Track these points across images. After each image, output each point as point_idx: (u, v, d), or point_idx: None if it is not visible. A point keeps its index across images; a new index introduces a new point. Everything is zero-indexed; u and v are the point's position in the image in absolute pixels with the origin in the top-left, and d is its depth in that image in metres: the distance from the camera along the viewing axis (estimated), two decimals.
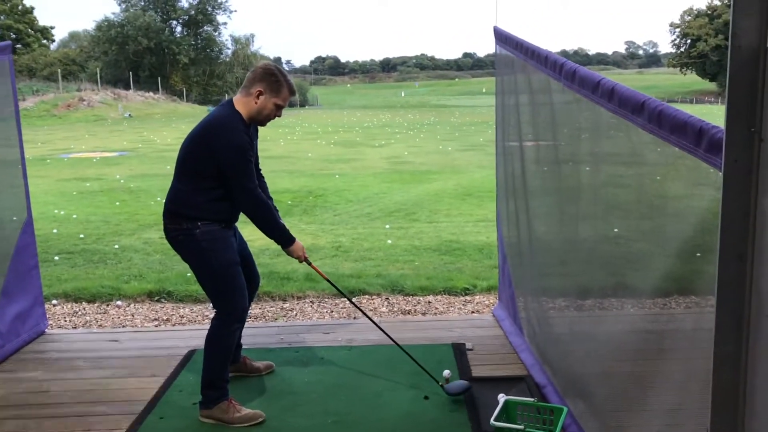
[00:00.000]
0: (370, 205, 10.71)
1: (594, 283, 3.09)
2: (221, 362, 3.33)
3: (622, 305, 2.81)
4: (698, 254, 2.07)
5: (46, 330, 4.68)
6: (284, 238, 3.39)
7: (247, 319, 3.84)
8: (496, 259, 5.14)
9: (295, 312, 5.42)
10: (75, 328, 5.12)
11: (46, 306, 5.08)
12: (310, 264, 3.53)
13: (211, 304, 3.54)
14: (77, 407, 3.49)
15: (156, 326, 5.15)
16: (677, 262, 2.21)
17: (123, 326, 5.15)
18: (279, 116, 3.31)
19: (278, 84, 3.20)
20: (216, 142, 3.11)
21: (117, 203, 10.97)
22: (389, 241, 7.81)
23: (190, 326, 5.07)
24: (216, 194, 3.21)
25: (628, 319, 2.71)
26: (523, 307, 4.13)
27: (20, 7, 65.49)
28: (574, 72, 2.81)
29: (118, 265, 6.88)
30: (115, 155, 19.46)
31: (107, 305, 5.64)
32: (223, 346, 3.33)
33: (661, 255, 2.33)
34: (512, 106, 4.11)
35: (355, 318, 5.19)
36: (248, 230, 3.63)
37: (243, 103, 3.22)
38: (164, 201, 3.33)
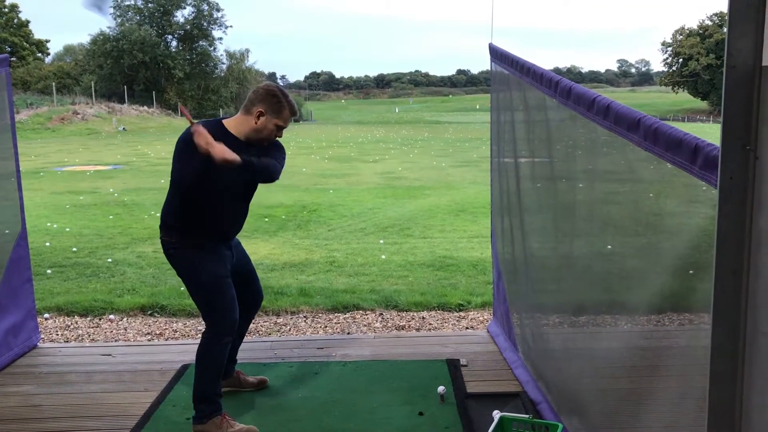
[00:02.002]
0: (364, 220, 10.71)
1: (588, 299, 3.09)
2: (213, 376, 3.31)
3: (617, 322, 2.82)
4: (691, 271, 2.08)
5: (38, 344, 4.64)
6: None
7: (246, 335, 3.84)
8: (491, 275, 5.15)
9: (288, 327, 5.41)
10: (67, 341, 5.08)
11: (39, 319, 5.05)
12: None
13: (200, 319, 3.52)
14: (69, 422, 3.46)
15: (149, 340, 5.12)
16: (671, 279, 2.22)
17: (116, 340, 5.12)
18: (280, 137, 3.29)
19: (280, 105, 3.20)
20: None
21: (110, 217, 10.94)
22: (383, 257, 7.81)
23: (184, 340, 5.05)
24: (198, 207, 3.23)
25: (623, 336, 2.72)
26: (517, 324, 4.13)
27: (16, 21, 65.64)
28: (569, 89, 2.83)
29: (111, 279, 6.85)
30: (109, 169, 19.43)
31: (100, 319, 5.61)
32: (214, 359, 3.31)
33: (656, 272, 2.34)
34: (507, 123, 4.13)
35: (349, 333, 5.18)
36: (251, 248, 3.63)
37: (240, 122, 3.22)
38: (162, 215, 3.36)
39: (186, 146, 3.05)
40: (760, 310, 1.45)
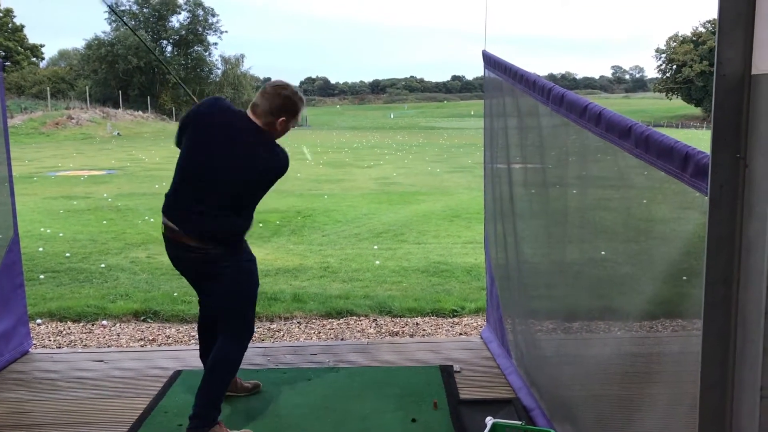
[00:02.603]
0: (359, 225, 10.71)
1: (581, 305, 3.09)
2: (228, 381, 3.32)
3: (609, 328, 2.82)
4: (684, 278, 2.08)
5: (30, 350, 4.62)
6: None
7: None
8: (484, 281, 5.15)
9: (282, 333, 5.40)
10: (59, 347, 5.06)
11: (31, 325, 5.03)
12: None
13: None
14: (60, 429, 3.44)
15: (142, 346, 5.11)
16: (664, 286, 2.22)
17: (108, 346, 5.10)
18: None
19: (297, 109, 3.24)
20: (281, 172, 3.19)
21: (104, 222, 10.91)
22: (377, 262, 7.81)
23: (176, 346, 5.03)
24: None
25: (615, 342, 2.72)
26: (510, 330, 4.13)
27: (10, 25, 65.54)
28: (562, 96, 2.84)
29: (104, 285, 6.83)
30: (103, 174, 19.39)
31: (92, 325, 5.59)
32: (235, 365, 3.34)
33: (648, 278, 2.35)
34: (500, 129, 4.14)
35: (342, 339, 5.17)
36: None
37: (265, 128, 3.21)
38: (193, 226, 3.16)
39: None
40: (750, 318, 1.46)
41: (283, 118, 3.18)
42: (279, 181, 3.32)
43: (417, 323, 5.59)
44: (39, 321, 5.60)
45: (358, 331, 5.40)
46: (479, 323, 5.48)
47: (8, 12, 65.78)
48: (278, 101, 3.16)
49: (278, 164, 3.16)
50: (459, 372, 4.15)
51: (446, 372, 4.13)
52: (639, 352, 2.51)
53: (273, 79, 3.30)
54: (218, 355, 3.28)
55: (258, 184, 3.17)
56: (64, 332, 5.42)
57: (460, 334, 5.33)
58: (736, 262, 1.49)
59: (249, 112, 3.20)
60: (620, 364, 2.60)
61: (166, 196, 3.29)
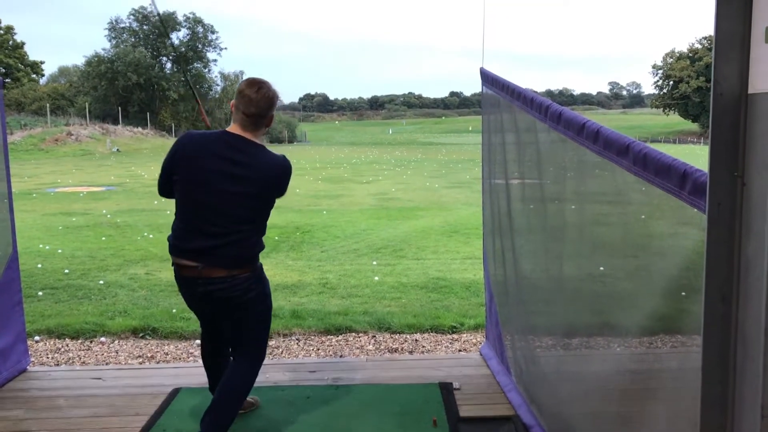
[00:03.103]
0: (357, 241, 10.71)
1: (580, 321, 3.09)
2: (240, 406, 3.30)
3: (609, 344, 2.82)
4: (683, 293, 2.08)
5: (28, 367, 4.60)
6: None
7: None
8: (483, 296, 5.14)
9: (280, 349, 5.38)
10: (57, 365, 5.04)
11: (29, 342, 5.01)
12: None
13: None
14: None
15: (140, 363, 5.08)
16: (662, 301, 2.22)
17: (106, 363, 5.08)
18: None
19: (275, 100, 3.23)
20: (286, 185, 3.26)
21: (103, 238, 10.90)
22: (376, 278, 7.80)
23: (175, 364, 5.01)
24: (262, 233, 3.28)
25: (615, 359, 2.71)
26: (510, 346, 4.12)
27: (11, 43, 65.89)
28: (559, 114, 2.86)
29: (103, 301, 6.81)
30: (102, 190, 19.40)
31: (91, 342, 5.57)
32: (249, 389, 3.33)
33: (647, 294, 2.35)
34: (498, 145, 4.16)
35: (341, 356, 5.16)
36: None
37: (257, 136, 3.18)
38: (218, 256, 3.08)
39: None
40: (749, 336, 1.46)
41: (272, 114, 3.21)
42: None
43: (416, 340, 5.57)
44: (37, 338, 5.58)
45: (357, 348, 5.38)
46: (478, 339, 5.46)
47: (9, 29, 66.22)
48: (267, 102, 3.12)
49: (283, 163, 3.18)
50: (458, 389, 4.13)
51: (446, 389, 4.12)
52: (638, 369, 2.51)
53: (244, 83, 3.18)
54: (234, 381, 3.25)
55: (271, 191, 3.18)
56: (63, 349, 5.40)
57: (460, 350, 5.31)
58: (735, 280, 1.50)
59: (236, 126, 3.13)
60: (620, 380, 2.60)
61: (171, 237, 3.19)
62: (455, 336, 5.67)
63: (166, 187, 3.22)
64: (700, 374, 1.55)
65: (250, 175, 3.07)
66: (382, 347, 5.40)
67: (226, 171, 3.05)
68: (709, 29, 1.48)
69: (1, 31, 65.16)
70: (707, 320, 1.50)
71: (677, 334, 2.23)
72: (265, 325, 3.35)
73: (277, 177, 3.17)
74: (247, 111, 3.09)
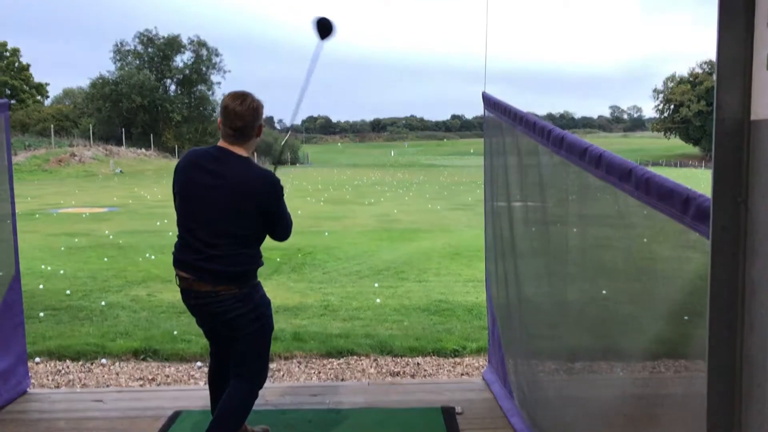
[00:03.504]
0: (359, 263, 10.69)
1: (583, 345, 3.07)
2: (240, 427, 3.28)
3: (612, 369, 2.80)
4: (686, 317, 2.08)
5: (28, 389, 4.57)
6: None
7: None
8: (486, 320, 5.12)
9: (282, 372, 5.35)
10: (58, 387, 5.01)
11: (29, 364, 4.99)
12: None
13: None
14: None
15: (141, 386, 5.06)
16: (666, 326, 2.22)
17: (107, 385, 5.05)
18: None
19: (262, 112, 3.20)
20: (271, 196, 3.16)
21: (105, 259, 10.90)
22: (378, 300, 7.78)
23: (176, 386, 4.98)
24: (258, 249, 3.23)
25: (618, 384, 2.69)
26: (512, 370, 4.09)
27: (17, 65, 66.48)
28: (561, 138, 2.87)
29: (104, 323, 6.79)
30: (105, 211, 19.44)
31: (92, 363, 5.55)
32: (248, 410, 3.30)
33: (650, 318, 2.34)
34: (500, 167, 4.17)
35: (343, 380, 5.13)
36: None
37: (247, 148, 3.17)
38: (205, 271, 3.10)
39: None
40: (755, 362, 1.45)
41: (261, 124, 3.19)
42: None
43: (418, 363, 5.54)
44: (38, 360, 5.56)
45: (359, 371, 5.35)
46: (481, 363, 5.43)
47: (15, 51, 66.84)
48: (252, 113, 3.11)
49: (264, 176, 3.11)
50: (461, 414, 4.10)
51: (448, 414, 4.09)
52: (642, 394, 2.49)
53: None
54: (232, 401, 3.23)
55: (247, 203, 3.06)
56: (63, 371, 5.37)
57: (462, 374, 5.28)
58: (740, 305, 1.49)
59: (223, 142, 3.14)
60: (623, 405, 2.58)
61: (173, 249, 3.25)
62: (457, 360, 5.64)
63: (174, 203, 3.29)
64: (705, 400, 1.54)
65: (223, 185, 3.06)
66: (383, 371, 5.37)
67: (206, 183, 3.09)
68: (709, 53, 1.49)
69: (8, 54, 65.77)
70: (712, 345, 1.50)
71: (681, 359, 2.22)
72: (257, 347, 3.26)
73: (253, 189, 3.07)
74: (234, 125, 3.09)
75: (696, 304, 1.88)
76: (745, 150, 1.43)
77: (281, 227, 3.25)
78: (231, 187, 3.06)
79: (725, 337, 1.48)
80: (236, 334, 3.19)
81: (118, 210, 19.69)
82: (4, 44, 65.71)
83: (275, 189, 3.13)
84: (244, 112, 3.08)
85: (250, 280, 3.19)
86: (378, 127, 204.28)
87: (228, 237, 3.08)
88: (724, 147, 1.43)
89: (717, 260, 1.47)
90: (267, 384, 4.93)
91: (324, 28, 3.40)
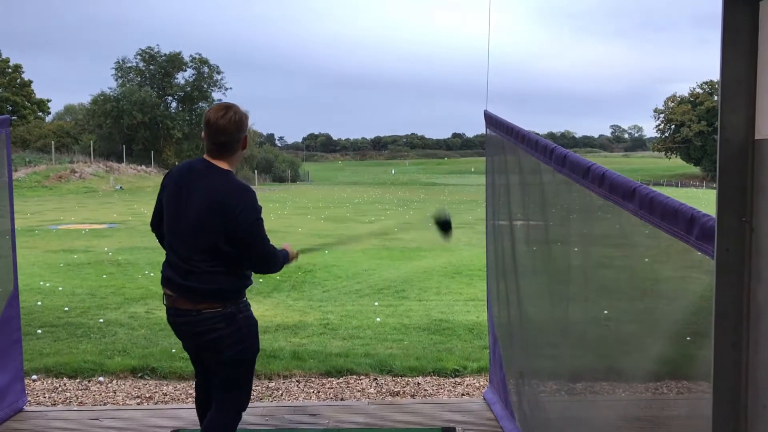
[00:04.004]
0: (359, 281, 10.66)
1: (585, 366, 3.05)
2: None
3: (614, 390, 2.78)
4: (688, 338, 2.06)
5: (25, 407, 4.54)
6: (286, 261, 3.29)
7: None
8: (487, 339, 5.08)
9: (281, 392, 5.31)
10: (54, 405, 4.97)
11: (26, 381, 4.95)
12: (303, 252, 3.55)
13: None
14: None
15: (138, 404, 5.01)
16: (668, 346, 2.20)
17: (104, 403, 5.01)
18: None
19: (246, 124, 3.08)
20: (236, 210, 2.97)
21: (104, 276, 10.87)
22: (378, 319, 7.74)
23: (173, 405, 4.94)
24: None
25: (620, 405, 2.67)
26: (514, 391, 4.06)
27: (18, 81, 66.80)
28: (564, 157, 2.86)
29: (102, 340, 6.75)
30: (105, 227, 19.42)
31: (89, 381, 5.50)
32: None
33: (652, 338, 2.32)
34: (502, 186, 4.16)
35: (342, 399, 5.08)
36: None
37: (231, 162, 3.08)
38: (186, 288, 3.01)
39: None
40: (762, 382, 1.43)
41: (244, 135, 3.07)
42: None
43: (418, 383, 5.50)
44: (34, 377, 5.52)
45: (358, 391, 5.31)
46: (482, 383, 5.39)
47: (17, 68, 67.18)
48: (237, 124, 3.00)
49: (237, 186, 2.97)
50: None
51: None
52: (645, 416, 2.47)
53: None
54: (212, 425, 3.12)
55: (217, 215, 2.90)
56: (60, 389, 5.33)
57: (463, 394, 5.24)
58: (745, 325, 1.48)
59: (208, 155, 3.06)
60: (626, 427, 2.55)
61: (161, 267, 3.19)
62: (458, 380, 5.59)
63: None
64: (711, 422, 1.52)
65: (195, 198, 2.96)
66: (383, 390, 5.33)
67: (181, 196, 3.01)
68: (710, 74, 1.49)
69: (10, 70, 66.13)
70: (717, 367, 1.48)
71: (684, 379, 2.20)
72: (239, 371, 3.12)
73: (221, 201, 2.90)
74: (217, 140, 2.99)
75: (700, 325, 1.87)
76: (750, 170, 1.42)
77: (257, 254, 3.00)
78: (201, 200, 2.92)
79: (731, 357, 1.46)
80: (219, 357, 3.05)
81: (118, 227, 19.67)
82: (6, 60, 66.07)
83: (247, 202, 2.92)
84: (226, 125, 2.96)
85: (233, 299, 3.02)
86: (379, 145, 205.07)
87: (201, 253, 2.94)
88: (729, 167, 1.43)
89: (722, 280, 1.46)
90: (266, 403, 4.91)
91: (445, 226, 3.89)
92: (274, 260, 3.11)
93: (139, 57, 69.66)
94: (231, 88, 73.99)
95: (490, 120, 4.22)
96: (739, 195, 1.43)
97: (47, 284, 9.88)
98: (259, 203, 3.01)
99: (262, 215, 3.01)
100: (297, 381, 5.54)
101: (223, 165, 3.02)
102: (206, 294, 2.97)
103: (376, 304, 8.77)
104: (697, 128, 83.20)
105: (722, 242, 1.45)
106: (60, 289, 9.57)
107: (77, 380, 5.53)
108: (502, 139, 4.00)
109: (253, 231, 2.93)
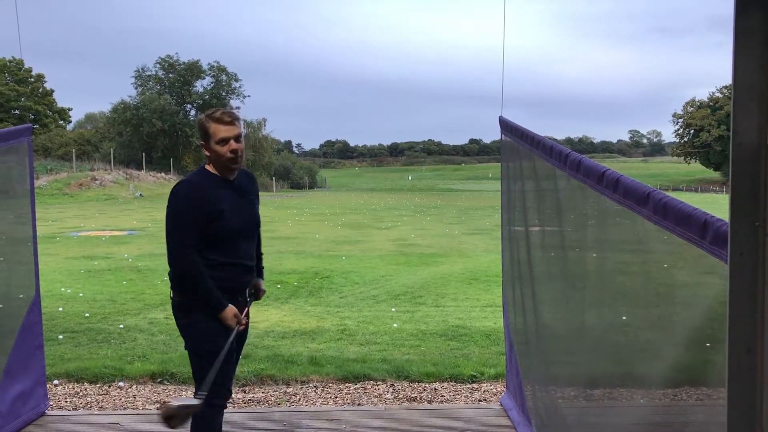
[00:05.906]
0: (377, 287, 10.68)
1: (602, 372, 3.04)
2: None
3: (632, 396, 2.77)
4: (708, 344, 2.05)
5: (47, 411, 4.60)
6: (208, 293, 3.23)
7: (250, 403, 3.78)
8: (504, 345, 5.08)
9: (298, 397, 5.33)
10: (75, 409, 5.03)
11: (48, 386, 5.02)
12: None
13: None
14: None
15: (158, 409, 5.05)
16: (686, 352, 2.19)
17: (124, 408, 5.06)
18: (238, 148, 3.18)
19: (206, 128, 3.18)
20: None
21: (124, 282, 10.98)
22: (395, 325, 7.75)
23: None
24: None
25: (638, 411, 2.66)
26: (531, 397, 4.05)
27: (41, 90, 67.75)
28: (579, 162, 2.87)
29: (122, 345, 6.82)
30: (125, 234, 19.61)
31: (109, 386, 5.56)
32: (209, 428, 3.29)
33: (670, 344, 2.31)
34: (518, 192, 4.17)
35: (359, 405, 5.10)
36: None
37: (209, 160, 3.29)
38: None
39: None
40: None
41: (202, 143, 3.25)
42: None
43: (435, 389, 5.50)
44: (56, 382, 5.58)
45: (375, 396, 5.32)
46: (499, 389, 5.38)
47: (40, 77, 68.15)
48: (198, 130, 3.30)
49: (175, 186, 3.25)
50: None
51: None
52: (663, 422, 2.46)
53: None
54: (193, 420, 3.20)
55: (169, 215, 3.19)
56: (81, 393, 5.39)
57: (480, 400, 5.23)
58: (760, 330, 1.47)
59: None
60: None
61: None
62: (475, 386, 5.58)
63: None
64: (726, 428, 1.52)
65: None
66: (400, 396, 5.34)
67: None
68: (729, 78, 1.49)
69: (32, 80, 67.09)
70: (732, 372, 1.48)
71: (702, 386, 2.19)
72: (195, 359, 3.34)
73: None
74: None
75: (717, 330, 1.86)
76: (763, 174, 1.42)
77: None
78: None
79: (745, 362, 1.46)
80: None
81: (138, 233, 19.86)
82: (29, 70, 67.06)
83: (170, 194, 3.19)
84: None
85: (187, 289, 3.21)
86: (395, 151, 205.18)
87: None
88: (742, 171, 1.43)
89: (736, 285, 1.46)
90: (284, 408, 4.94)
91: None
92: (172, 248, 3.18)
93: (158, 65, 70.44)
94: (249, 96, 74.59)
95: (505, 126, 4.23)
96: (751, 199, 1.43)
97: (68, 290, 10.00)
98: (183, 196, 3.19)
99: (227, 213, 3.18)
100: (314, 386, 5.56)
101: (205, 167, 3.31)
102: (170, 279, 3.34)
103: (393, 310, 8.78)
104: (717, 133, 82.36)
105: (735, 246, 1.45)
106: (81, 295, 9.68)
107: (98, 385, 5.59)
108: (517, 145, 4.00)
109: (167, 220, 3.19)
